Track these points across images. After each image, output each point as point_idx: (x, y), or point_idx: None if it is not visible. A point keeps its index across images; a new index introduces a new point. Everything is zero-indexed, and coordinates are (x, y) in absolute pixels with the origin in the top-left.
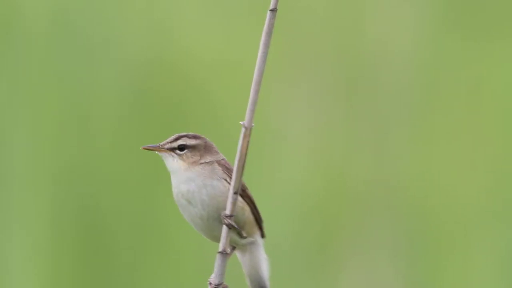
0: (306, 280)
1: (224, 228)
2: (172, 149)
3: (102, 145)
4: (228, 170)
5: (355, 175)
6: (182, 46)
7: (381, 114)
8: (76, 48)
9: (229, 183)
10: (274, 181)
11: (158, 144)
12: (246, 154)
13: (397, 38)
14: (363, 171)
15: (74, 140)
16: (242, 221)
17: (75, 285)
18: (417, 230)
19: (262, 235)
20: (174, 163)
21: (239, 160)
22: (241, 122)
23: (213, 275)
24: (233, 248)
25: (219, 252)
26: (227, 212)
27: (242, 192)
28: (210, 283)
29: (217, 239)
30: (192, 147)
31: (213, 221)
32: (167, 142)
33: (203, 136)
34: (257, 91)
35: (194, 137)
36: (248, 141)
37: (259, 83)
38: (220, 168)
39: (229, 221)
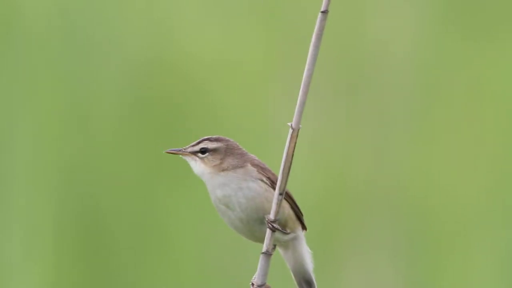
0: None
1: (268, 229)
2: (194, 153)
3: (102, 145)
4: (263, 170)
5: (355, 175)
6: (182, 46)
7: (381, 114)
8: (76, 48)
9: (266, 183)
10: None
11: (181, 148)
12: (292, 155)
13: (397, 38)
14: (363, 171)
15: (74, 140)
16: (284, 219)
17: (75, 285)
18: (417, 230)
19: (303, 228)
20: (196, 167)
21: (286, 161)
22: (289, 123)
23: (255, 276)
24: (274, 246)
25: (263, 253)
26: (272, 216)
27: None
28: (253, 284)
29: (259, 240)
30: (213, 150)
31: (253, 223)
32: (190, 146)
33: (227, 138)
34: (305, 93)
35: (216, 140)
36: (295, 143)
37: (308, 84)
38: (254, 168)
39: (275, 225)
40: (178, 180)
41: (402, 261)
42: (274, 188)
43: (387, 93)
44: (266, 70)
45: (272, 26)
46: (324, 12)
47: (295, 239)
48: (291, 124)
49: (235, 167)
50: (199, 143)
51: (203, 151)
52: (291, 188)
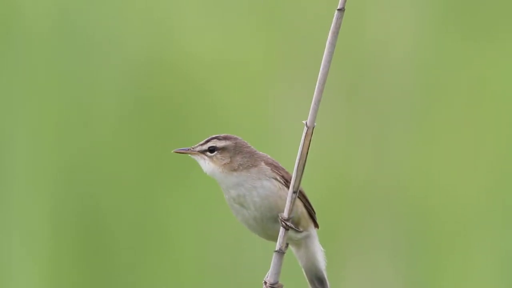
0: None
1: (281, 227)
2: (203, 152)
3: (102, 145)
4: (277, 168)
5: (355, 175)
6: (182, 46)
7: (382, 114)
8: (76, 48)
9: (280, 182)
10: None
11: (189, 148)
12: (307, 153)
13: (397, 38)
14: (364, 171)
15: (74, 140)
16: (297, 217)
17: (75, 285)
18: (417, 230)
19: (316, 226)
20: (206, 165)
21: (300, 159)
22: (304, 122)
23: (268, 274)
24: (287, 245)
25: (276, 251)
26: (285, 215)
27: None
28: (265, 282)
29: (272, 238)
30: (221, 149)
31: (267, 221)
32: (199, 145)
33: (235, 136)
34: (321, 91)
35: (225, 138)
36: (310, 141)
37: (323, 82)
38: (268, 167)
39: (289, 223)
40: (178, 180)
41: (402, 261)
42: (287, 187)
43: (387, 93)
44: (267, 70)
45: (272, 26)
46: (341, 10)
47: (307, 237)
48: (306, 122)
49: (248, 167)
50: (207, 142)
51: (212, 149)
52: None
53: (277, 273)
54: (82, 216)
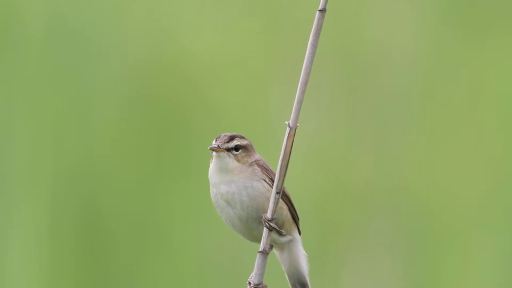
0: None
1: (265, 228)
2: (229, 150)
3: (102, 146)
4: (266, 170)
5: (355, 175)
6: (182, 47)
7: (382, 114)
8: (76, 50)
9: (268, 184)
10: None
11: (217, 144)
12: (290, 153)
13: (397, 38)
14: (364, 171)
15: (74, 140)
16: (281, 221)
17: (74, 285)
18: (417, 230)
19: (299, 232)
20: (230, 163)
21: (283, 160)
22: (286, 122)
23: (252, 275)
24: (271, 246)
25: (260, 252)
26: (269, 215)
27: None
28: (249, 283)
29: (256, 239)
30: (244, 147)
31: (252, 222)
32: (223, 142)
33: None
34: (303, 92)
35: (242, 137)
36: (292, 141)
37: (306, 83)
38: (259, 168)
39: (271, 224)
40: (178, 180)
41: (402, 261)
42: None
43: (387, 93)
44: (266, 70)
45: (272, 26)
46: (322, 11)
47: (291, 241)
48: (289, 123)
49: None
50: (231, 139)
51: (237, 148)
52: (291, 189)
53: (261, 273)
54: (81, 216)
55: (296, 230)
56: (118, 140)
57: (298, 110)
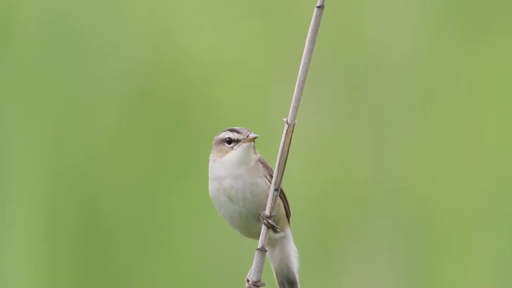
0: (307, 280)
1: (263, 225)
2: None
3: (102, 146)
4: (266, 168)
5: (355, 174)
6: (182, 47)
7: (381, 114)
8: (76, 50)
9: (269, 180)
10: None
11: (255, 135)
12: (288, 151)
13: (397, 37)
14: (364, 171)
15: (74, 140)
16: (277, 217)
17: (74, 285)
18: (417, 230)
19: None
20: (252, 154)
21: (281, 157)
22: (284, 119)
23: (250, 272)
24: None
25: (258, 249)
26: (267, 212)
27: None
28: (248, 280)
29: (253, 235)
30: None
31: (251, 218)
32: (247, 132)
33: None
34: (301, 89)
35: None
36: (290, 138)
37: (303, 80)
38: (261, 165)
39: (270, 221)
40: (178, 180)
41: (402, 261)
42: None
43: (387, 93)
44: (266, 70)
45: (272, 26)
46: (320, 7)
47: (284, 237)
48: (287, 120)
49: None
50: (249, 131)
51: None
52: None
53: (260, 271)
54: (81, 216)
55: (289, 226)
56: (118, 140)
57: (296, 107)
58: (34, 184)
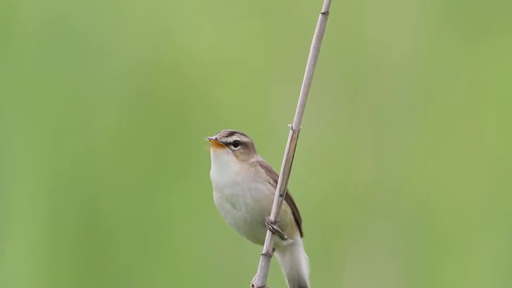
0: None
1: (268, 231)
2: (227, 144)
3: (102, 145)
4: (270, 172)
5: (356, 177)
6: (182, 47)
7: (383, 116)
8: (76, 50)
9: (273, 186)
10: None
11: (215, 137)
12: (293, 156)
13: (398, 38)
14: (365, 172)
15: (74, 140)
16: (285, 224)
17: (74, 285)
18: (418, 231)
19: (301, 235)
20: (228, 158)
21: (286, 162)
22: (289, 125)
23: (255, 277)
24: (273, 249)
25: (263, 254)
26: (272, 218)
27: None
28: (253, 285)
29: (260, 241)
30: (244, 144)
31: (256, 225)
32: (222, 136)
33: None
34: (306, 94)
35: (243, 134)
36: (295, 144)
37: (308, 86)
38: (263, 170)
39: (274, 227)
40: (178, 180)
41: (403, 262)
42: None
43: (388, 93)
44: (266, 71)
45: (272, 26)
46: (325, 14)
47: (293, 244)
48: (292, 126)
49: (248, 166)
50: (231, 135)
51: (236, 143)
52: (293, 190)
53: (264, 276)
54: (81, 216)
55: (298, 233)
56: (118, 140)
57: (301, 113)
58: (34, 184)
